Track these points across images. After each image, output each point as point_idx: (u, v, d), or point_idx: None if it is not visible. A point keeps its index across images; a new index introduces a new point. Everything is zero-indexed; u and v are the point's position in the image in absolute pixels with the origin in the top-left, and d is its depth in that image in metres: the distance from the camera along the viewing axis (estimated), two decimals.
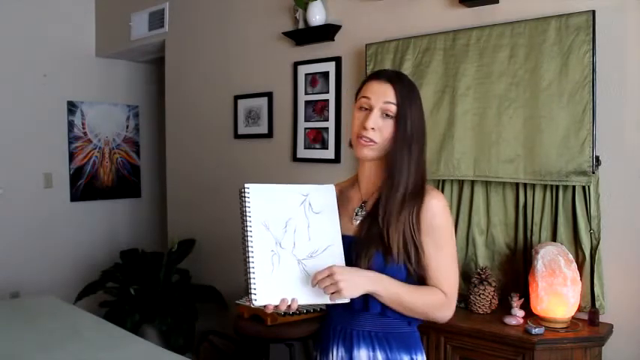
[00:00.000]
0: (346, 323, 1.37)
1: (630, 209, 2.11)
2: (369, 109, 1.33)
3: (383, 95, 1.31)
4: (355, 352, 1.34)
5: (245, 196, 1.27)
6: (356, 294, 1.25)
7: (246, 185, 1.28)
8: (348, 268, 1.27)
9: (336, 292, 1.22)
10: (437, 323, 1.37)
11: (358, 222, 1.38)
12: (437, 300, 1.30)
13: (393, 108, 1.31)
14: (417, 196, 1.32)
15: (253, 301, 1.23)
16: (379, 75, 1.36)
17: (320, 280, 1.23)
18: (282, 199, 1.31)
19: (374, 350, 1.34)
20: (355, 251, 1.32)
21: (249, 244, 1.25)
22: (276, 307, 1.25)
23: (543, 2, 2.24)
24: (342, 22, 2.95)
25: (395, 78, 1.34)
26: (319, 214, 1.33)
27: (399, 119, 1.31)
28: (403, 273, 1.30)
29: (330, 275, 1.22)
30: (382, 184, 1.36)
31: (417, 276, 1.32)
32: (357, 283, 1.24)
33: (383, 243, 1.30)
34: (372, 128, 1.31)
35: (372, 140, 1.31)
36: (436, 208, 1.32)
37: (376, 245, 1.30)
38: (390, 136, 1.31)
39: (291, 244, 1.29)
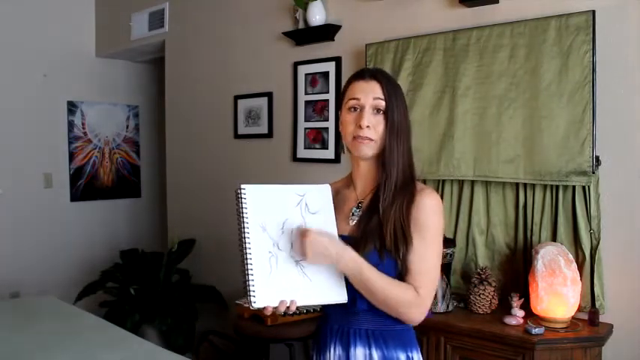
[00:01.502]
0: (343, 322, 1.38)
1: (630, 209, 2.11)
2: (361, 109, 1.35)
3: (371, 92, 1.35)
4: (352, 351, 1.35)
5: (241, 198, 1.26)
6: (319, 262, 1.27)
7: (242, 186, 1.27)
8: (324, 238, 1.27)
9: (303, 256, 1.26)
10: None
11: (355, 222, 1.39)
12: (406, 296, 1.28)
13: (382, 103, 1.35)
14: (407, 186, 1.35)
15: (252, 304, 1.22)
16: (363, 74, 1.39)
17: (295, 240, 1.27)
18: (279, 199, 1.31)
19: (370, 348, 1.34)
20: (353, 248, 1.32)
21: (247, 246, 1.24)
22: (275, 308, 1.26)
23: (543, 2, 2.24)
24: (342, 22, 2.95)
25: (378, 75, 1.39)
26: (315, 214, 1.33)
27: (389, 112, 1.34)
28: (395, 270, 1.30)
29: (302, 238, 1.25)
30: (378, 181, 1.38)
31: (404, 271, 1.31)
32: (322, 253, 1.25)
33: (380, 238, 1.31)
34: (367, 126, 1.34)
35: (369, 138, 1.34)
36: (429, 208, 1.33)
37: (373, 241, 1.31)
38: (383, 131, 1.35)
39: (288, 245, 1.28)
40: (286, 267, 1.27)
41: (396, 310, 1.31)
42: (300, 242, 1.26)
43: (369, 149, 1.35)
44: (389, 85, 1.37)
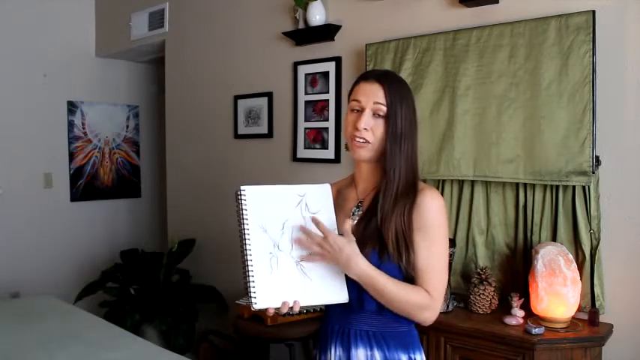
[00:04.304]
0: (344, 322, 1.38)
1: (630, 209, 2.11)
2: (361, 111, 1.35)
3: (373, 96, 1.34)
4: (353, 351, 1.35)
5: (241, 199, 1.26)
6: (328, 262, 1.28)
7: (241, 188, 1.27)
8: (344, 243, 1.26)
9: (318, 256, 1.26)
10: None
11: (355, 221, 1.39)
12: (420, 299, 1.29)
13: (383, 108, 1.33)
14: (408, 192, 1.33)
15: (253, 305, 1.23)
16: (368, 76, 1.39)
17: (312, 242, 1.26)
18: (279, 200, 1.31)
19: (372, 349, 1.34)
20: None
21: (247, 247, 1.24)
22: (277, 309, 1.26)
23: (543, 2, 2.24)
24: (342, 22, 2.95)
25: (383, 78, 1.36)
26: (316, 214, 1.33)
27: (390, 118, 1.33)
28: (397, 272, 1.30)
29: (324, 239, 1.25)
30: (379, 183, 1.38)
31: (409, 276, 1.31)
32: (333, 256, 1.26)
33: (379, 241, 1.31)
34: (365, 129, 1.33)
35: (365, 140, 1.34)
36: (431, 206, 1.32)
37: (372, 243, 1.31)
38: (382, 135, 1.33)
39: (288, 245, 1.28)
40: (287, 267, 1.27)
41: (409, 313, 1.31)
42: (317, 239, 1.25)
43: (366, 152, 1.35)
44: (393, 89, 1.34)
